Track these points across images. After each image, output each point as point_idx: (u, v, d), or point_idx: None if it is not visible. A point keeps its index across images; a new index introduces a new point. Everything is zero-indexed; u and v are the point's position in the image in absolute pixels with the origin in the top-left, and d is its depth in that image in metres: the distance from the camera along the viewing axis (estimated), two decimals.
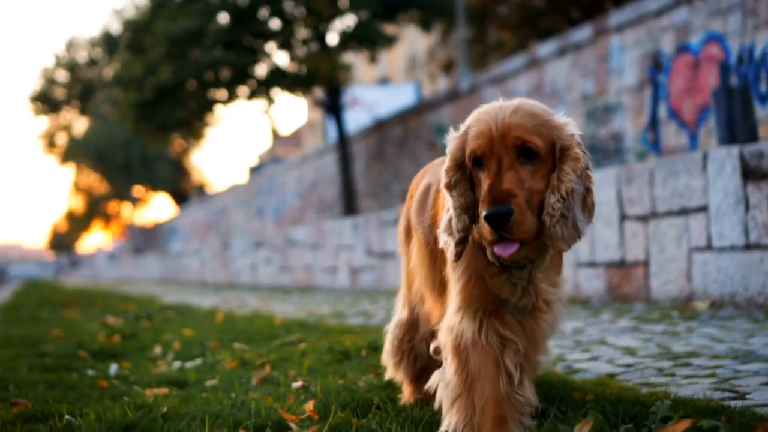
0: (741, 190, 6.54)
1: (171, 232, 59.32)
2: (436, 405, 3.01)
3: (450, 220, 2.88)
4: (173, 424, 3.33)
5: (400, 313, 3.78)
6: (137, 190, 67.08)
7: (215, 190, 54.21)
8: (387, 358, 3.79)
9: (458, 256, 2.88)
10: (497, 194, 2.65)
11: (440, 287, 3.23)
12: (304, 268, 17.32)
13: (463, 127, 2.89)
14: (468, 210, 2.86)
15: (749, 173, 6.47)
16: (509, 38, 29.04)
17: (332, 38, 28.56)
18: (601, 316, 6.87)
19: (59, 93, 67.65)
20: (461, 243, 2.86)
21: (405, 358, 3.70)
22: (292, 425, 3.17)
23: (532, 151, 2.72)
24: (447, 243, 2.89)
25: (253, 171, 53.83)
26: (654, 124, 15.77)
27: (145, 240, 68.09)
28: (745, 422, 2.58)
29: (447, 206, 2.91)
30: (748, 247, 6.51)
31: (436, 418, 2.96)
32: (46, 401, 3.99)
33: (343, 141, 27.96)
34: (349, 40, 28.14)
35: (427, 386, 3.16)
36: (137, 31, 29.68)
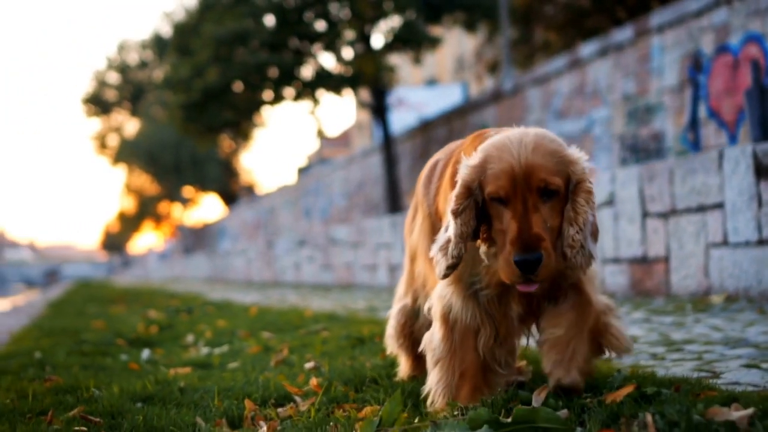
0: (754, 188, 6.69)
1: (220, 233, 59.81)
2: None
3: (448, 242, 2.99)
4: (188, 396, 3.62)
5: (402, 299, 3.97)
6: (187, 190, 67.52)
7: (264, 191, 54.58)
8: (389, 340, 4.00)
9: (445, 277, 3.05)
10: (528, 240, 2.80)
11: None
12: (345, 266, 17.58)
13: (478, 158, 2.98)
14: (468, 239, 2.99)
15: (762, 171, 6.62)
16: (555, 39, 29.05)
17: (377, 40, 28.75)
18: (619, 309, 7.03)
19: (110, 95, 68.57)
20: (452, 268, 3.01)
21: (405, 341, 3.90)
22: (296, 397, 3.42)
23: (553, 191, 2.88)
24: (439, 262, 3.03)
25: (302, 172, 54.22)
26: (694, 124, 15.80)
27: (195, 240, 68.61)
28: (690, 390, 2.77)
29: (448, 229, 3.02)
30: (761, 242, 6.65)
31: (422, 390, 3.17)
32: (77, 379, 4.29)
33: (388, 142, 28.17)
34: (393, 41, 28.30)
35: (420, 348, 3.40)
36: (185, 33, 30.12)
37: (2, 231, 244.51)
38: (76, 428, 3.16)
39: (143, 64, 67.30)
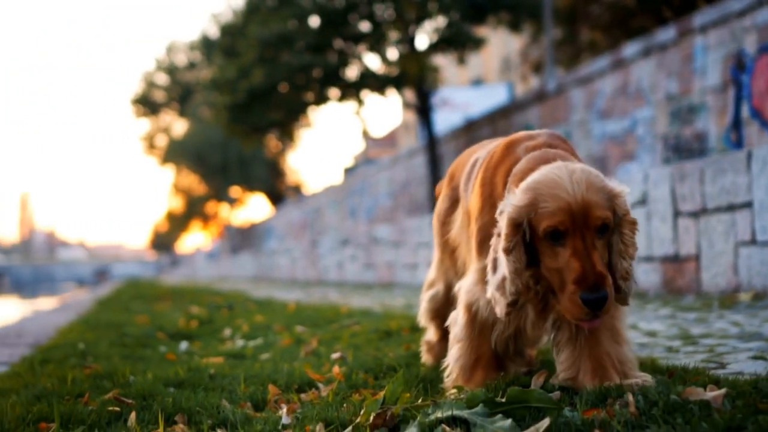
0: None
1: (267, 232, 60.15)
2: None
3: (503, 281, 3.05)
4: (217, 382, 3.84)
5: (434, 285, 4.18)
6: (234, 190, 67.91)
7: (311, 191, 54.84)
8: (422, 318, 4.28)
9: (507, 315, 3.12)
10: (594, 279, 2.86)
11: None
12: (386, 265, 17.77)
13: (526, 197, 3.01)
14: (522, 274, 3.03)
15: None
16: (600, 38, 28.98)
17: (421, 40, 28.89)
18: (647, 306, 7.16)
19: (159, 96, 69.28)
20: (512, 305, 3.08)
21: (436, 320, 4.18)
22: (319, 383, 3.61)
23: (608, 227, 2.97)
24: (497, 301, 3.09)
25: (348, 172, 54.41)
26: (737, 124, 15.79)
27: (242, 240, 69.00)
28: (682, 376, 2.92)
29: (498, 267, 3.08)
30: None
31: (439, 377, 3.34)
32: (115, 367, 4.52)
33: (433, 142, 28.31)
34: (438, 42, 28.40)
35: (446, 324, 3.63)
36: (231, 35, 30.47)
37: (53, 231, 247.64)
38: (110, 408, 3.38)
39: (191, 65, 67.83)
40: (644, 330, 5.35)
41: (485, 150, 3.67)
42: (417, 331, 5.30)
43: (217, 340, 6.43)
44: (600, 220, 2.92)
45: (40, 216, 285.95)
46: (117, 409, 3.39)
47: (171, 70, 68.96)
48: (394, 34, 28.27)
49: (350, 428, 2.69)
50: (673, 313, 6.28)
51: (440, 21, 28.39)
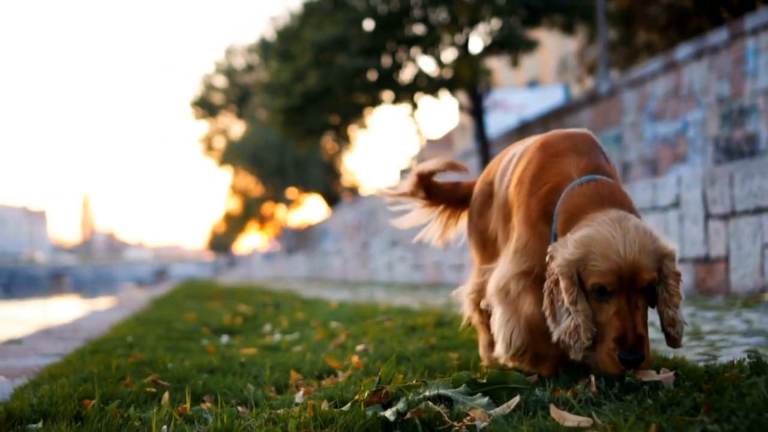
0: None
1: (323, 233, 60.51)
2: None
3: (576, 328, 3.13)
4: (247, 369, 4.19)
5: (476, 277, 4.27)
6: (291, 192, 68.30)
7: (367, 192, 55.05)
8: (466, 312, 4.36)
9: (581, 358, 3.23)
10: (634, 341, 3.04)
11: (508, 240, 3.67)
12: (433, 266, 18.03)
13: (578, 252, 3.14)
14: (591, 320, 3.16)
15: None
16: (657, 40, 28.86)
17: (475, 43, 29.08)
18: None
19: (217, 98, 69.99)
20: (588, 350, 3.19)
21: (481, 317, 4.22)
22: (338, 371, 3.94)
23: (652, 286, 3.16)
24: (570, 346, 3.18)
25: (403, 173, 54.61)
26: None
27: (298, 241, 69.41)
28: (660, 365, 3.22)
29: (566, 315, 3.17)
30: None
31: (448, 366, 3.63)
32: (157, 356, 4.91)
33: (485, 144, 28.51)
34: (491, 45, 28.57)
35: (482, 305, 3.85)
36: (286, 39, 30.93)
37: (114, 232, 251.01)
38: (147, 389, 3.75)
39: (249, 68, 68.34)
40: (657, 325, 5.59)
41: (521, 147, 3.81)
42: (441, 326, 5.66)
43: (257, 335, 6.80)
44: (645, 282, 3.08)
45: (100, 217, 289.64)
46: (153, 390, 3.79)
47: (229, 72, 69.61)
48: (447, 38, 28.48)
49: (349, 404, 3.01)
50: (695, 312, 6.51)
51: (494, 24, 28.54)
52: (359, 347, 4.88)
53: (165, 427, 2.89)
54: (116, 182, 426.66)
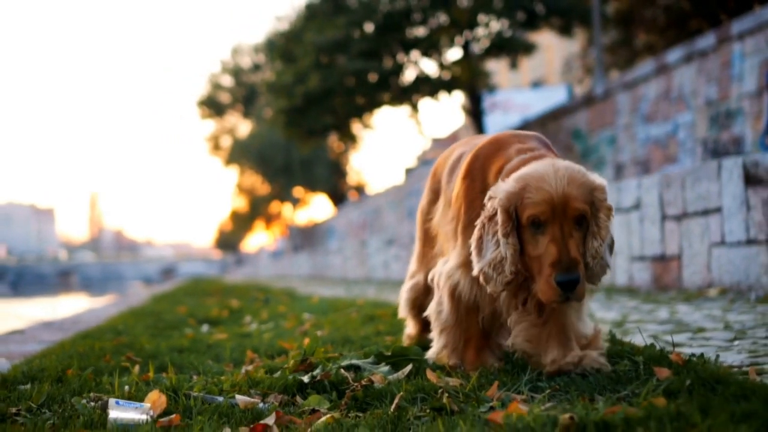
0: (743, 194, 7.58)
1: (328, 232, 60.74)
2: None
3: (502, 261, 3.33)
4: (213, 350, 4.82)
5: (414, 276, 4.46)
6: (297, 190, 68.50)
7: (373, 192, 55.27)
8: (402, 311, 4.57)
9: (501, 292, 3.47)
10: (567, 263, 3.20)
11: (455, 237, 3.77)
12: None
13: (515, 185, 3.33)
14: (518, 256, 3.34)
15: (750, 179, 7.51)
16: (657, 41, 29.12)
17: (474, 46, 29.51)
18: (621, 299, 8.02)
19: (224, 97, 70.24)
20: (509, 284, 3.39)
21: (414, 311, 4.46)
22: (289, 351, 4.55)
23: (584, 218, 3.31)
24: (493, 279, 3.38)
25: (408, 172, 54.94)
26: None
27: (304, 239, 69.63)
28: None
29: (491, 247, 3.36)
30: (749, 242, 7.54)
31: (381, 347, 4.22)
32: (138, 339, 5.54)
33: None
34: (490, 47, 29.04)
35: (425, 314, 3.95)
36: (289, 40, 31.48)
37: (121, 230, 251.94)
38: (122, 364, 4.37)
39: (256, 67, 68.35)
40: (597, 317, 6.21)
41: (470, 146, 3.96)
42: (396, 316, 6.27)
43: (237, 325, 7.41)
44: (577, 211, 3.26)
45: (108, 215, 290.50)
46: (127, 364, 4.43)
47: (236, 72, 69.79)
48: (447, 40, 28.94)
49: (279, 372, 3.63)
50: (637, 305, 7.14)
51: (492, 27, 29.00)
52: (318, 333, 5.51)
53: (127, 387, 3.52)
54: (124, 180, 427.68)
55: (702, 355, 3.30)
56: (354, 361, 3.62)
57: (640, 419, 2.22)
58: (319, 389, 3.31)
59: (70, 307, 26.05)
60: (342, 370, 3.45)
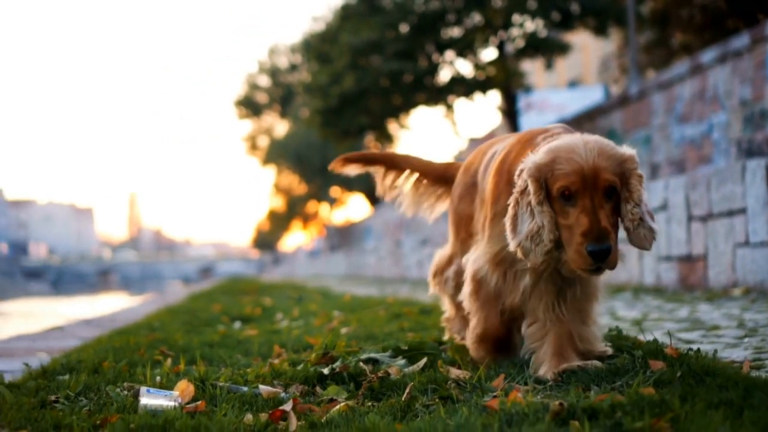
0: (767, 195, 7.67)
1: (365, 232, 60.92)
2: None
3: (539, 230, 3.37)
4: (241, 344, 5.03)
5: (454, 260, 4.54)
6: (334, 190, 68.74)
7: None
8: (437, 293, 4.73)
9: (542, 263, 3.48)
10: (598, 233, 3.22)
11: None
12: None
13: (546, 157, 3.38)
14: (554, 225, 3.38)
15: None
16: (693, 41, 28.98)
17: (509, 46, 29.58)
18: (644, 298, 8.14)
19: (261, 97, 70.60)
20: (548, 253, 3.43)
21: (449, 291, 4.63)
22: (314, 346, 4.75)
23: (614, 189, 3.34)
24: (531, 250, 3.41)
25: None
26: None
27: (341, 239, 69.86)
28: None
29: (527, 219, 3.41)
30: None
31: (400, 342, 4.40)
32: (172, 335, 5.78)
33: None
34: (525, 48, 29.11)
35: (459, 299, 4.07)
36: (324, 41, 31.72)
37: (160, 229, 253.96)
38: (156, 357, 4.60)
39: (293, 67, 68.64)
40: (626, 317, 6.35)
41: (503, 144, 4.03)
42: (422, 314, 6.50)
43: (268, 322, 7.62)
44: (607, 182, 3.30)
45: (147, 215, 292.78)
46: (160, 358, 4.65)
47: (273, 72, 70.11)
48: (481, 41, 29.02)
49: (302, 364, 3.83)
50: (660, 305, 7.27)
51: (527, 27, 29.05)
52: (344, 330, 5.72)
53: (158, 378, 3.74)
54: (162, 180, 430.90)
55: (698, 350, 3.45)
56: (372, 355, 3.84)
57: (624, 405, 2.41)
58: (338, 380, 3.52)
59: (108, 305, 26.46)
60: (360, 363, 3.67)
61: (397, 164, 5.01)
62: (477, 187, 4.13)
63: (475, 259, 3.84)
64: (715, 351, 3.50)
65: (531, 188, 3.38)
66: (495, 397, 2.98)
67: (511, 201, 3.49)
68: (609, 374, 3.23)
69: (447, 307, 4.80)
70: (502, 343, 3.88)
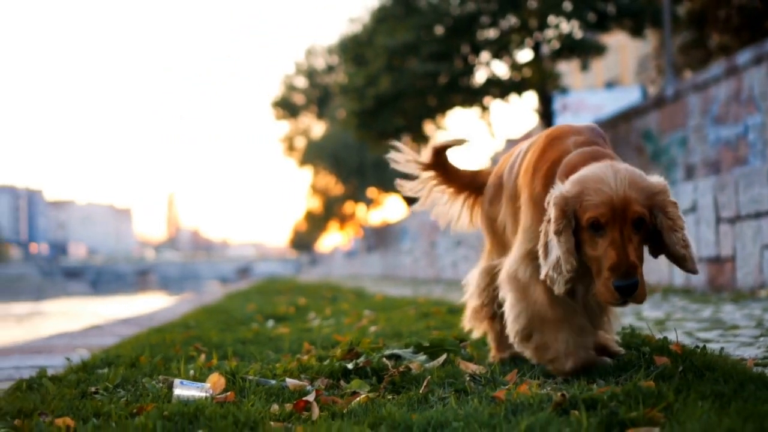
0: None
1: (401, 233, 61.01)
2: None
3: (558, 260, 3.37)
4: (273, 341, 5.23)
5: (482, 265, 4.47)
6: (371, 191, 68.88)
7: None
8: (468, 319, 4.43)
9: (566, 292, 3.45)
10: (626, 268, 3.20)
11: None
12: None
13: (574, 189, 3.35)
14: (573, 253, 3.37)
15: None
16: (730, 42, 28.87)
17: (544, 48, 29.63)
18: (672, 299, 8.25)
19: (298, 98, 70.86)
20: (569, 282, 3.40)
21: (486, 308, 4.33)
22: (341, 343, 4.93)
23: (643, 221, 3.30)
24: (555, 280, 3.40)
25: None
26: None
27: (378, 239, 70.00)
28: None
29: (553, 248, 3.40)
30: None
31: (422, 339, 4.56)
32: (206, 332, 6.00)
33: None
34: (560, 49, 29.14)
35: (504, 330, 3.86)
36: (359, 44, 31.93)
37: (198, 230, 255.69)
38: (190, 353, 4.81)
39: (329, 69, 68.87)
40: (649, 316, 6.49)
41: (527, 142, 4.04)
42: (450, 313, 6.67)
43: (301, 321, 7.83)
44: (637, 214, 3.26)
45: (185, 215, 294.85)
46: (194, 354, 4.87)
47: (310, 73, 70.33)
48: (517, 42, 29.08)
49: (328, 360, 4.02)
50: (685, 305, 7.38)
51: (563, 28, 29.07)
52: (372, 328, 5.91)
53: (192, 371, 3.96)
54: (200, 181, 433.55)
55: (704, 347, 3.60)
56: (395, 351, 4.03)
57: (620, 396, 2.58)
58: (362, 375, 3.70)
59: (146, 305, 26.82)
60: (383, 359, 3.86)
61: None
62: (503, 189, 4.13)
63: (509, 265, 3.80)
64: (722, 348, 3.64)
65: (552, 216, 3.38)
66: (507, 389, 3.15)
67: (542, 229, 3.49)
68: (615, 369, 3.41)
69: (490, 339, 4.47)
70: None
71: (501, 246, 4.21)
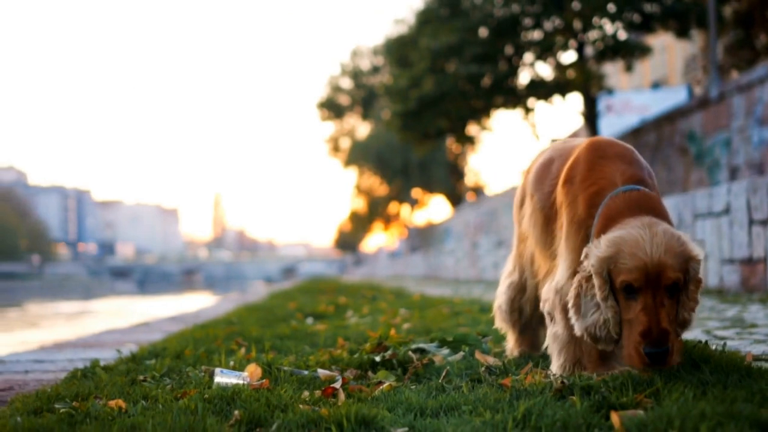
0: None
1: (445, 233, 61.10)
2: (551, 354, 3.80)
3: (605, 323, 3.35)
4: (310, 336, 5.52)
5: (510, 275, 4.50)
6: (415, 191, 69.03)
7: (491, 193, 55.35)
8: (499, 314, 4.47)
9: (608, 349, 3.47)
10: (658, 335, 3.19)
11: (550, 246, 3.88)
12: None
13: (608, 251, 3.33)
14: (618, 317, 3.35)
15: None
16: None
17: (588, 49, 29.68)
18: (701, 299, 8.44)
19: (343, 99, 71.18)
20: (616, 342, 3.40)
21: (514, 315, 4.39)
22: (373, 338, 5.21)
23: (678, 287, 3.31)
24: (601, 338, 3.39)
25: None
26: None
27: (422, 240, 70.14)
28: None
29: (602, 313, 3.37)
30: None
31: (447, 335, 4.81)
32: (247, 328, 6.32)
33: None
34: (604, 50, 29.17)
35: (544, 347, 3.90)
36: (403, 46, 32.20)
37: (243, 230, 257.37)
38: (231, 347, 5.12)
39: (375, 69, 69.07)
40: None
41: (560, 151, 4.02)
42: (480, 312, 6.93)
43: (339, 319, 8.13)
44: (671, 280, 3.25)
45: (231, 215, 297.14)
46: (235, 347, 5.18)
47: (355, 74, 70.58)
48: (561, 43, 29.16)
49: (358, 353, 4.30)
50: (713, 305, 7.56)
51: (607, 30, 29.10)
52: (405, 325, 6.19)
53: (232, 362, 4.27)
54: (246, 181, 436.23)
55: (706, 342, 3.83)
56: (420, 345, 4.34)
57: (608, 382, 2.85)
58: (388, 366, 4.04)
59: (192, 303, 27.26)
60: (409, 352, 4.17)
61: None
62: (527, 197, 4.14)
63: (556, 287, 3.74)
64: (724, 343, 3.85)
65: (596, 283, 3.38)
66: (515, 378, 3.42)
67: (575, 281, 3.49)
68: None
69: (510, 340, 4.56)
70: (603, 366, 3.74)
71: (520, 253, 4.34)
